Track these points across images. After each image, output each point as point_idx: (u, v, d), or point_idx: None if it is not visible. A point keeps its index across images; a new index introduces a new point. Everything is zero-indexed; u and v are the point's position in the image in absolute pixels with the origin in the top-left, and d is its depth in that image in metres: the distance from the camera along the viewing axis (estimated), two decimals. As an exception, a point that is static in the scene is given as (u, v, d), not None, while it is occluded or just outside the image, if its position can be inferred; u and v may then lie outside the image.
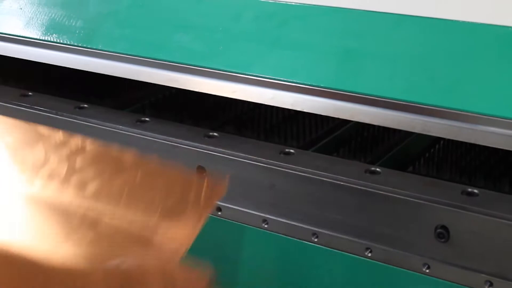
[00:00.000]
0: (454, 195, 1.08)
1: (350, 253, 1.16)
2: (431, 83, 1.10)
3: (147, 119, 1.34)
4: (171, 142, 1.27)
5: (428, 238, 1.08)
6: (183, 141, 1.26)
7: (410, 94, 1.11)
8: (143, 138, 1.29)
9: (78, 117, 1.37)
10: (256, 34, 1.24)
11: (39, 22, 1.46)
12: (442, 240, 1.07)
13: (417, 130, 1.11)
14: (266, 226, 1.19)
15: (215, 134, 1.28)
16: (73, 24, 1.42)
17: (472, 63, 1.10)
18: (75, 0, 1.44)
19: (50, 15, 1.46)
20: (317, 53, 1.19)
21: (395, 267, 1.13)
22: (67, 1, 1.45)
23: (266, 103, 1.22)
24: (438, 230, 1.07)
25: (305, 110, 1.19)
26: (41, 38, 1.45)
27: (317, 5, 1.20)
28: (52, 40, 1.43)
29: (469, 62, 1.10)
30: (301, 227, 1.18)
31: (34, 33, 1.46)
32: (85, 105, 1.41)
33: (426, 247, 1.09)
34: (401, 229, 1.11)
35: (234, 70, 1.23)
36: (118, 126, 1.32)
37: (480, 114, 1.06)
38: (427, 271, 1.10)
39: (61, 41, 1.42)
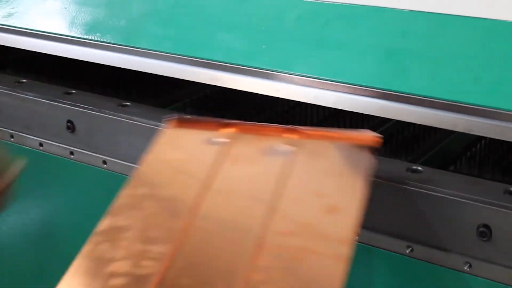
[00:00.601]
0: (496, 194, 1.08)
1: (391, 251, 1.16)
2: (475, 82, 1.11)
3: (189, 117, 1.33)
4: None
5: (470, 237, 1.08)
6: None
7: (454, 94, 1.11)
8: None
9: (122, 114, 1.38)
10: (299, 33, 1.25)
11: (83, 21, 1.48)
12: (484, 239, 1.07)
13: (459, 129, 1.11)
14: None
15: None
16: (117, 23, 1.44)
17: None
18: (119, 0, 1.45)
19: (94, 14, 1.47)
20: (360, 52, 1.20)
21: (436, 265, 1.13)
22: (111, 1, 1.46)
23: (308, 102, 1.22)
24: (480, 229, 1.07)
25: (346, 109, 1.19)
26: (86, 37, 1.46)
27: (361, 5, 1.20)
28: (95, 39, 1.45)
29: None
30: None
31: (79, 32, 1.47)
32: (128, 103, 1.43)
33: (468, 246, 1.09)
34: (443, 228, 1.11)
35: (277, 69, 1.24)
36: (160, 124, 1.32)
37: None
38: (469, 269, 1.10)
39: (106, 40, 1.44)
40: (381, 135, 1.11)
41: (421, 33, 1.17)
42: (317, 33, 1.23)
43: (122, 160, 1.40)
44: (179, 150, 1.15)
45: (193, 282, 0.89)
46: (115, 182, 1.33)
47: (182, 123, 1.19)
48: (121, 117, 1.38)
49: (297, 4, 1.26)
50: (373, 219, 1.14)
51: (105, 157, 1.42)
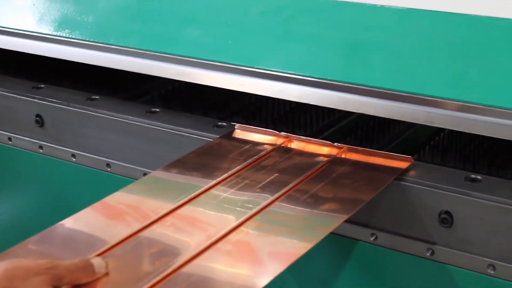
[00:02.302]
0: (457, 181, 1.10)
1: (357, 239, 1.17)
2: (436, 75, 1.12)
3: (157, 110, 1.35)
4: (182, 132, 1.29)
5: (432, 223, 1.10)
6: (192, 130, 1.28)
7: (415, 86, 1.13)
8: (154, 128, 1.31)
9: (90, 108, 1.39)
10: (265, 28, 1.26)
11: (51, 18, 1.48)
12: (446, 225, 1.08)
13: (420, 121, 1.12)
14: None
15: (224, 124, 1.30)
16: (85, 19, 1.44)
17: (475, 55, 1.12)
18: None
19: (62, 11, 1.47)
20: (324, 46, 1.21)
21: (399, 252, 1.14)
22: None
23: (273, 96, 1.23)
24: (442, 216, 1.09)
25: (312, 103, 1.20)
26: (53, 33, 1.46)
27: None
28: (64, 36, 1.44)
29: (473, 54, 1.12)
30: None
31: (46, 29, 1.47)
32: (96, 97, 1.43)
33: (430, 233, 1.11)
34: (406, 215, 1.12)
35: (243, 64, 1.24)
36: (128, 117, 1.33)
37: (482, 105, 1.07)
38: (431, 256, 1.11)
39: (74, 37, 1.43)
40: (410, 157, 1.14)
41: (385, 26, 1.19)
42: (282, 27, 1.25)
43: (91, 154, 1.40)
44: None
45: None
46: (84, 175, 1.38)
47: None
48: (89, 111, 1.38)
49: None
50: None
51: (74, 151, 1.42)
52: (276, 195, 1.07)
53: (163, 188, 1.11)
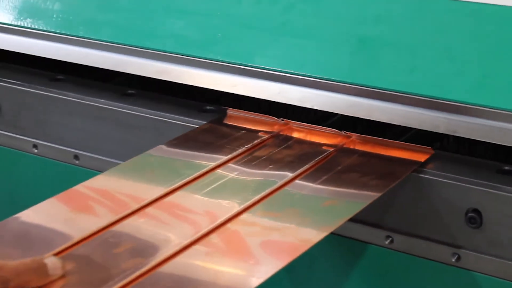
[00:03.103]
0: (487, 174, 1.01)
1: (369, 243, 1.08)
2: (459, 76, 1.03)
3: (133, 92, 1.26)
4: (163, 117, 1.20)
5: (457, 224, 1.01)
6: (175, 116, 1.19)
7: (434, 89, 1.03)
8: (130, 113, 1.22)
9: (55, 90, 1.29)
10: (260, 19, 1.17)
11: (12, 5, 1.38)
12: (474, 225, 1.00)
13: (441, 130, 1.02)
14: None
15: (212, 108, 1.21)
16: (51, 7, 1.33)
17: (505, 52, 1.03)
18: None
19: None
20: (328, 42, 1.12)
21: (419, 257, 1.05)
22: None
23: (271, 99, 1.13)
24: (470, 215, 1.00)
25: (315, 107, 1.10)
26: (13, 23, 1.35)
27: None
28: (26, 26, 1.34)
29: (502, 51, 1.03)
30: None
31: (6, 18, 1.37)
32: (62, 77, 1.33)
33: (455, 235, 1.03)
34: (426, 215, 1.04)
35: (234, 61, 1.15)
36: (100, 100, 1.24)
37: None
38: (456, 262, 1.02)
39: (38, 28, 1.32)
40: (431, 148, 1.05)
41: (398, 18, 1.09)
42: (279, 19, 1.15)
43: (56, 144, 1.30)
44: None
45: None
46: (48, 169, 1.29)
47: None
48: (53, 93, 1.28)
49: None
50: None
51: (36, 141, 1.32)
52: (268, 191, 0.98)
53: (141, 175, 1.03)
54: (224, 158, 1.05)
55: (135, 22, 1.26)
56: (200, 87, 1.19)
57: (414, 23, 1.08)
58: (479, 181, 0.99)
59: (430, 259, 1.03)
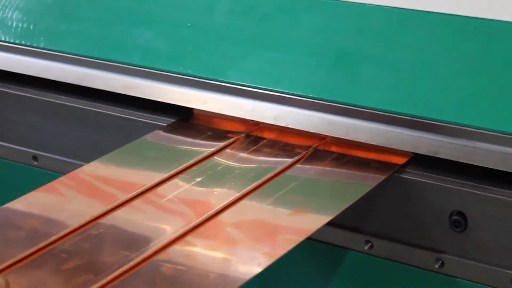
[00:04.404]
0: (472, 175, 0.98)
1: (348, 248, 1.05)
2: (442, 94, 1.00)
3: None
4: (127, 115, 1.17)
5: (441, 227, 0.99)
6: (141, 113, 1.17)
7: (415, 107, 1.00)
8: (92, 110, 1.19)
9: (11, 86, 1.26)
10: (233, 31, 1.13)
11: None
12: (458, 229, 0.97)
13: (422, 151, 0.99)
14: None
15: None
16: (8, 16, 1.28)
17: (491, 70, 1.00)
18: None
19: None
20: (305, 55, 1.08)
21: (401, 263, 1.02)
22: None
23: (244, 117, 1.09)
24: (454, 217, 0.97)
25: (290, 126, 1.06)
26: None
27: None
28: None
29: (488, 68, 1.00)
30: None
31: None
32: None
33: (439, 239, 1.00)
34: (408, 218, 1.01)
35: (205, 76, 1.11)
36: (60, 96, 1.19)
37: (497, 132, 0.95)
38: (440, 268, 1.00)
39: None
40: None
41: (379, 33, 1.06)
42: (253, 30, 1.12)
43: (13, 144, 1.26)
44: None
45: None
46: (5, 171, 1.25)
47: None
48: (10, 89, 1.24)
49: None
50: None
51: None
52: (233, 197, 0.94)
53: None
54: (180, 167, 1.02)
55: (100, 32, 1.22)
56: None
57: (396, 38, 1.06)
58: (463, 182, 0.96)
59: (412, 265, 1.00)
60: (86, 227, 0.88)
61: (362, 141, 1.03)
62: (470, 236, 0.96)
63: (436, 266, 0.99)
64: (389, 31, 1.06)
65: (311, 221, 0.91)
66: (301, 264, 1.08)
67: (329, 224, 1.00)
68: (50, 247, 0.85)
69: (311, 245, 1.05)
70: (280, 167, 1.01)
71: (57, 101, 1.21)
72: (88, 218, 0.89)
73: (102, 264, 0.82)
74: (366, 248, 1.02)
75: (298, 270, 1.09)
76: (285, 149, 1.05)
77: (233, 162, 1.02)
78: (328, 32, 1.09)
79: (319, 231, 1.02)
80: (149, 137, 1.08)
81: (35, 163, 1.25)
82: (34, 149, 1.25)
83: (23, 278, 0.81)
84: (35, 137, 1.24)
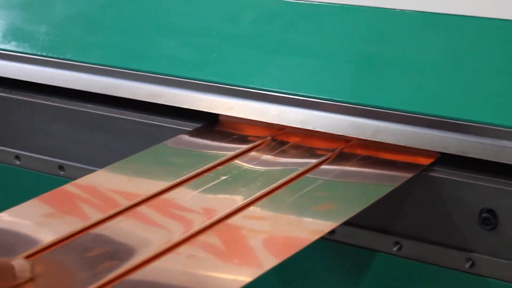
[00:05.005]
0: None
1: (375, 250, 1.03)
2: (469, 94, 0.99)
3: None
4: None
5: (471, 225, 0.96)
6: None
7: (443, 108, 0.99)
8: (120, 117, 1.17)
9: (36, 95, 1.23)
10: (257, 38, 1.12)
11: None
12: (488, 227, 0.95)
13: (451, 150, 0.98)
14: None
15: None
16: (37, 29, 1.28)
17: None
18: (37, 1, 1.31)
19: (9, 19, 1.32)
20: (329, 61, 1.07)
21: (430, 264, 1.00)
22: (28, 2, 1.31)
23: (270, 121, 1.08)
24: (484, 215, 0.95)
25: (316, 129, 1.05)
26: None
27: (331, 4, 1.09)
28: (10, 49, 1.27)
29: None
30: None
31: None
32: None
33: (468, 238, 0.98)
34: (437, 217, 0.99)
35: (230, 82, 1.10)
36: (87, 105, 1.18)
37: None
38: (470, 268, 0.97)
39: (22, 51, 1.26)
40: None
41: (403, 36, 1.05)
42: (278, 37, 1.11)
43: (39, 154, 1.26)
44: None
45: None
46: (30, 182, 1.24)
47: None
48: (36, 99, 1.23)
49: (254, 3, 1.14)
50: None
51: (18, 151, 1.27)
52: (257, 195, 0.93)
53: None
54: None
55: (125, 43, 1.22)
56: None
57: (420, 41, 1.05)
58: (492, 178, 0.95)
59: (442, 266, 0.98)
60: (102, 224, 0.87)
61: (390, 142, 1.01)
62: (501, 234, 0.94)
63: (467, 266, 0.97)
64: (412, 34, 1.05)
65: (335, 216, 0.89)
66: (327, 267, 1.06)
67: (356, 225, 0.99)
68: (76, 236, 0.85)
69: (338, 247, 1.03)
70: (304, 168, 1.00)
71: (82, 109, 1.19)
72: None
73: (125, 253, 0.81)
74: (394, 249, 1.00)
75: (324, 274, 1.07)
76: (310, 152, 1.04)
77: (256, 164, 1.02)
78: (351, 37, 1.08)
79: (345, 233, 1.01)
80: (169, 142, 1.07)
81: (61, 172, 1.24)
82: (60, 158, 1.23)
83: (47, 265, 0.80)
84: (61, 147, 1.23)
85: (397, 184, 0.96)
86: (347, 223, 0.99)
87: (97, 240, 0.84)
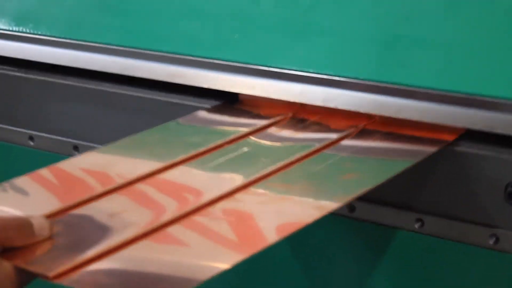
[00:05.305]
0: None
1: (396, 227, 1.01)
2: (495, 70, 0.98)
3: None
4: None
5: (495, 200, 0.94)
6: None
7: (468, 85, 0.97)
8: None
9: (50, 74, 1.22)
10: (279, 19, 1.10)
11: (12, 11, 1.29)
12: None
13: (477, 127, 0.96)
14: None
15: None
16: (54, 12, 1.25)
17: None
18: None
19: (24, 1, 1.30)
20: (353, 41, 1.05)
21: (453, 241, 0.98)
22: None
23: (292, 100, 1.06)
24: (510, 189, 0.93)
25: (339, 107, 1.03)
26: (13, 29, 1.26)
27: None
28: (27, 31, 1.25)
29: None
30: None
31: (5, 23, 1.29)
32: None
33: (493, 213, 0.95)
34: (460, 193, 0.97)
35: (252, 62, 1.08)
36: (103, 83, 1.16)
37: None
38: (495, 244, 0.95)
39: (40, 33, 1.24)
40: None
41: (427, 13, 1.04)
42: (300, 18, 1.09)
43: (53, 135, 1.24)
44: None
45: None
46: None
47: None
48: (50, 78, 1.21)
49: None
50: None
51: (32, 132, 1.25)
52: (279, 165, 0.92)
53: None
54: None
55: (146, 25, 1.20)
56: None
57: (445, 19, 1.04)
58: None
59: (465, 243, 0.96)
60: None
61: (414, 119, 0.99)
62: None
63: (491, 242, 0.94)
64: (437, 10, 1.04)
65: (358, 186, 0.88)
66: (348, 245, 1.05)
67: (377, 202, 0.97)
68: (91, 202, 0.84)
69: (357, 225, 1.02)
70: (324, 143, 0.98)
71: (97, 87, 1.18)
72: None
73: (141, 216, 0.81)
74: (416, 226, 0.98)
75: (344, 253, 1.06)
76: (331, 128, 1.02)
77: (274, 139, 1.00)
78: (374, 15, 1.07)
79: (365, 210, 0.99)
80: (182, 119, 1.05)
81: (76, 153, 1.21)
82: (75, 139, 1.22)
83: (66, 225, 0.79)
84: (75, 127, 1.21)
85: (421, 157, 0.94)
86: (367, 200, 0.97)
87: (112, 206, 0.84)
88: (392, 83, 1.01)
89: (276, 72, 1.07)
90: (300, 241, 1.07)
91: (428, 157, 0.95)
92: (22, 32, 1.26)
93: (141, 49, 1.16)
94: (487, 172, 0.94)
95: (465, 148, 0.96)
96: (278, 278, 1.11)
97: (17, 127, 1.26)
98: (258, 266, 1.11)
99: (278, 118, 1.05)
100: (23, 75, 1.24)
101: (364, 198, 0.96)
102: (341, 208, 1.00)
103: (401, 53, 1.03)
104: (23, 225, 0.74)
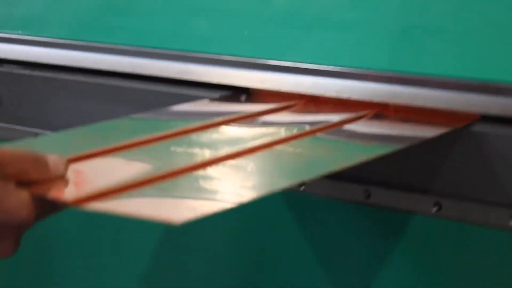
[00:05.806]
0: None
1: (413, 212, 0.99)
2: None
3: None
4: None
5: None
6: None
7: (484, 73, 0.97)
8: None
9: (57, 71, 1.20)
10: (290, 14, 1.11)
11: (24, 14, 1.30)
12: None
13: (492, 112, 0.94)
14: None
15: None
16: (63, 14, 1.26)
17: None
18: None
19: (35, 5, 1.30)
20: (367, 34, 1.05)
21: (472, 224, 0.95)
22: None
23: (304, 92, 1.05)
24: None
25: (353, 98, 1.01)
26: (21, 32, 1.27)
27: None
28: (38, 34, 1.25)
29: None
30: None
31: (15, 26, 1.29)
32: None
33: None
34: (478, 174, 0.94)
35: (262, 56, 1.07)
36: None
37: None
38: None
39: (50, 35, 1.25)
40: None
41: (444, 8, 1.03)
42: (312, 13, 1.09)
43: None
44: None
45: None
46: None
47: None
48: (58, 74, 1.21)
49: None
50: (386, 172, 0.96)
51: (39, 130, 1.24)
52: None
53: None
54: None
55: (155, 23, 1.20)
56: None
57: (458, 7, 1.03)
58: None
59: (485, 225, 0.93)
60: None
61: (429, 106, 0.98)
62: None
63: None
64: (452, 5, 1.04)
65: (371, 151, 0.87)
66: (364, 232, 1.03)
67: (392, 186, 0.94)
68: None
69: (372, 211, 0.99)
70: (337, 120, 0.97)
71: (105, 82, 1.17)
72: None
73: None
74: (434, 211, 0.96)
75: (360, 240, 1.04)
76: (344, 113, 1.01)
77: (281, 118, 1.00)
78: (387, 7, 1.06)
79: (381, 195, 0.97)
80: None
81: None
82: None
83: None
84: (83, 123, 1.19)
85: (435, 133, 0.92)
86: (382, 185, 0.95)
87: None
88: (405, 73, 1.00)
89: (287, 66, 1.06)
90: (316, 230, 1.05)
91: (445, 139, 0.93)
92: (34, 35, 1.26)
93: (151, 47, 1.16)
94: (505, 152, 0.92)
95: (483, 129, 0.93)
96: (294, 266, 1.08)
97: (23, 126, 1.26)
98: (274, 254, 1.09)
99: (286, 104, 1.04)
100: (28, 72, 1.25)
101: (379, 183, 0.94)
102: (356, 195, 0.98)
103: (413, 41, 1.02)
104: (38, 159, 0.73)
